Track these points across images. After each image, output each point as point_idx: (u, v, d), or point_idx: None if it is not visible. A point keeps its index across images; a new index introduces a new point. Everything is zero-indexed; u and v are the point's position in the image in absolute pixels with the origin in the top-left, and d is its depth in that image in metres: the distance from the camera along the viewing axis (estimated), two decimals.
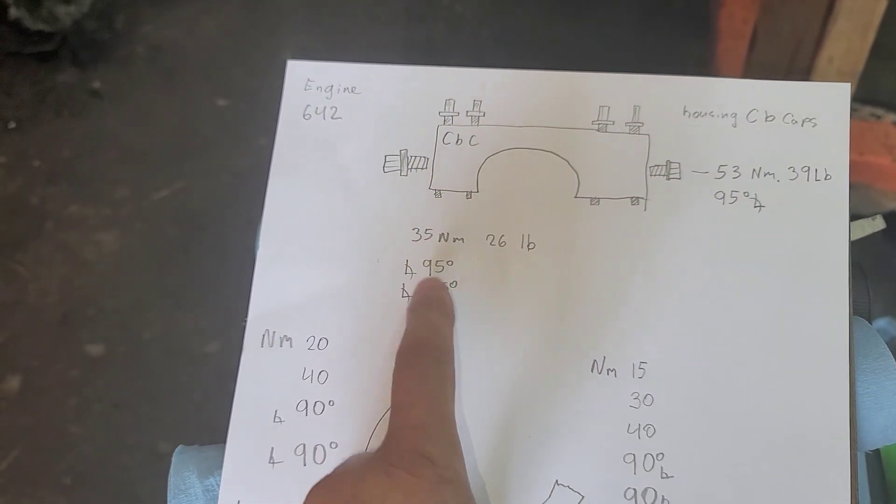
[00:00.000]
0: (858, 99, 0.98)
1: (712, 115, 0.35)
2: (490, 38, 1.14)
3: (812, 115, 0.35)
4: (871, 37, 0.61)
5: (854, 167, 0.83)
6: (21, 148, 1.06)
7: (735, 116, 0.35)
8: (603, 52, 1.09)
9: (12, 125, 1.08)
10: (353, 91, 0.38)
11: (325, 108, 0.38)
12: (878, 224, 0.38)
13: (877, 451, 0.42)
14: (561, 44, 1.12)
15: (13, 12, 1.05)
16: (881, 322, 0.90)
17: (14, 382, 0.91)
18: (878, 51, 1.11)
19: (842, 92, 0.35)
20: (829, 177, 0.34)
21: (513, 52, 1.12)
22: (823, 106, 0.35)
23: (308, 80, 0.38)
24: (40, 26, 1.09)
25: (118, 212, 1.01)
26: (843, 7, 0.58)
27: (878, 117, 0.97)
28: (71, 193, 1.02)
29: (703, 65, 0.99)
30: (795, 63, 0.65)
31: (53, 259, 0.98)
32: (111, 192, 1.03)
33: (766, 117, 0.35)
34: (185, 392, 0.90)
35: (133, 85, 1.11)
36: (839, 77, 0.62)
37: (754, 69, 0.73)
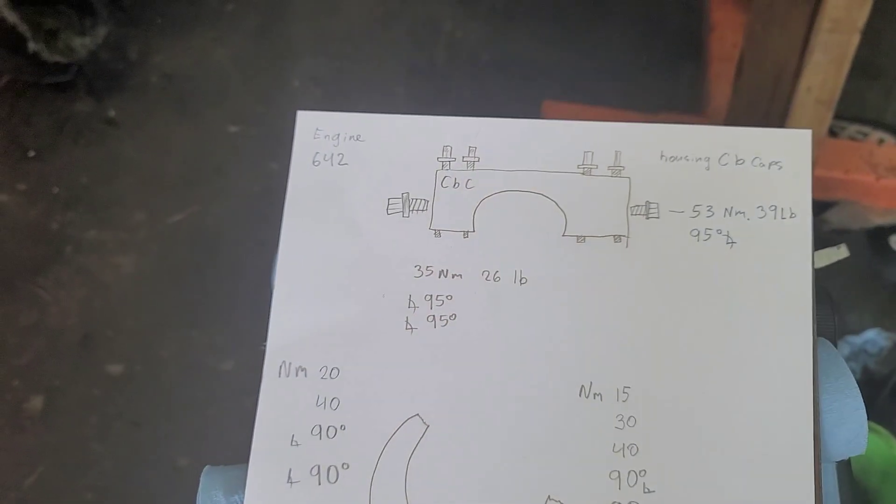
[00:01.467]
0: (845, 117, 1.01)
1: (687, 159, 0.39)
2: (489, 63, 1.17)
3: (777, 159, 0.38)
4: (845, 68, 0.64)
5: (841, 185, 0.87)
6: (41, 175, 1.10)
7: (708, 160, 0.38)
8: (599, 74, 1.12)
9: (32, 154, 1.12)
10: (358, 139, 0.41)
11: (332, 154, 0.41)
12: (842, 253, 0.41)
13: (847, 462, 0.45)
14: (558, 67, 1.15)
15: (31, 45, 1.09)
16: (870, 333, 0.93)
17: (37, 402, 0.94)
18: (865, 70, 1.14)
19: (804, 138, 0.38)
20: (793, 215, 0.37)
21: (511, 76, 1.15)
22: (788, 151, 0.38)
23: (317, 129, 0.42)
24: (57, 58, 1.13)
25: (135, 236, 1.05)
26: (818, 41, 0.61)
27: (865, 135, 1.00)
28: (89, 219, 1.06)
29: (696, 86, 1.02)
30: (777, 91, 0.68)
31: (73, 282, 1.02)
32: (128, 216, 1.06)
33: (737, 161, 0.38)
34: (202, 408, 0.93)
35: (147, 113, 1.15)
36: (817, 105, 0.66)
37: (741, 94, 0.76)
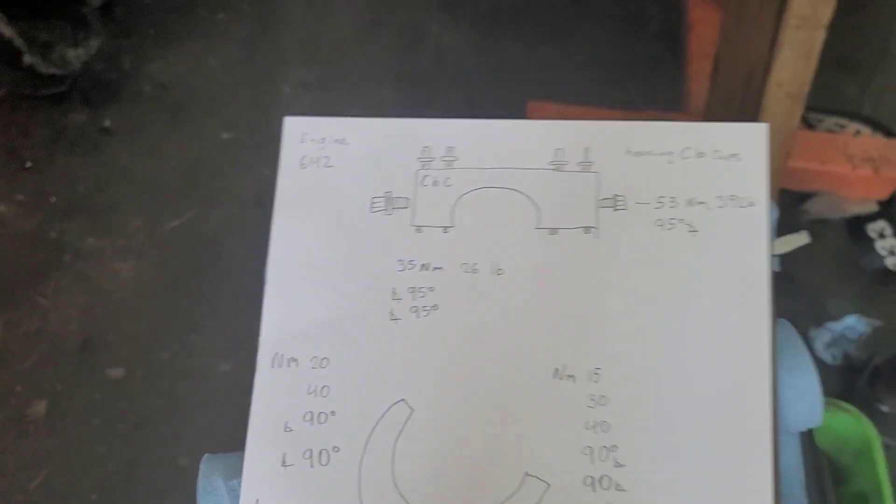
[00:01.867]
0: (823, 110, 1.04)
1: (652, 154, 0.41)
2: (476, 66, 1.20)
3: (736, 151, 0.40)
4: (813, 63, 0.67)
5: (818, 176, 0.90)
6: (38, 186, 1.12)
7: (671, 154, 0.41)
8: (583, 73, 1.15)
9: (29, 164, 1.14)
10: (342, 142, 0.44)
11: (318, 157, 0.44)
12: (803, 238, 0.43)
13: (810, 436, 0.48)
14: (543, 67, 1.18)
15: (27, 59, 1.12)
16: (850, 320, 0.96)
17: (41, 407, 0.97)
18: (843, 63, 1.17)
19: (761, 131, 0.40)
20: (751, 203, 0.40)
21: (497, 78, 1.18)
22: (745, 143, 0.40)
23: (304, 133, 0.44)
24: (52, 70, 1.16)
25: (132, 242, 1.08)
26: (786, 38, 0.64)
27: (843, 127, 1.03)
28: (87, 227, 1.09)
29: (677, 84, 1.05)
30: (751, 86, 0.71)
31: (73, 289, 1.04)
32: (125, 223, 1.09)
33: (698, 154, 0.41)
34: (201, 409, 0.95)
35: (142, 122, 1.18)
36: (788, 99, 0.68)
37: (718, 90, 0.79)
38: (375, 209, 0.42)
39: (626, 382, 0.38)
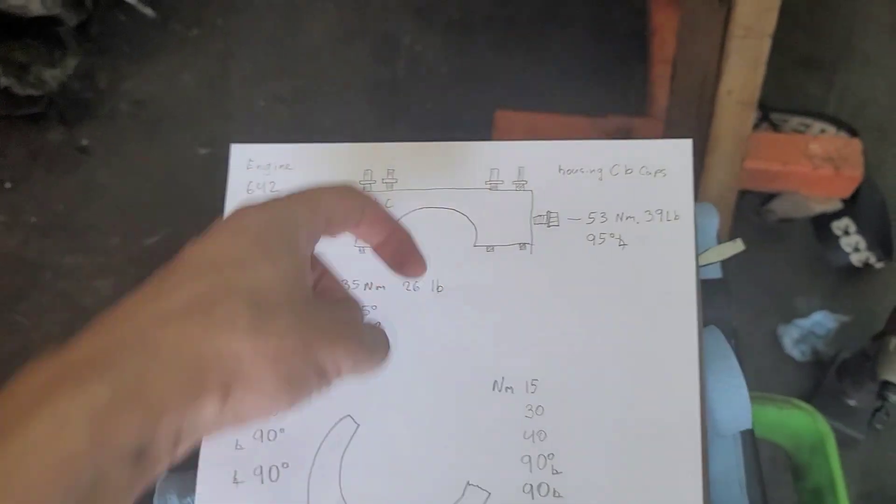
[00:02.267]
0: (787, 110, 1.06)
1: (582, 172, 0.43)
2: (449, 74, 1.21)
3: (662, 167, 0.42)
4: (761, 71, 0.68)
5: (780, 176, 0.91)
6: (17, 205, 1.14)
7: (601, 171, 0.42)
8: (552, 79, 1.17)
9: (8, 185, 1.16)
10: (287, 167, 0.45)
11: (264, 183, 0.45)
12: (738, 246, 0.45)
13: (751, 437, 0.49)
14: (513, 74, 1.19)
15: (3, 81, 1.13)
16: (818, 316, 0.98)
17: None
18: (806, 62, 1.19)
19: (685, 147, 0.42)
20: (677, 217, 0.41)
21: (469, 86, 1.19)
22: (671, 159, 0.42)
23: (249, 160, 0.46)
24: (29, 91, 1.17)
25: (111, 259, 1.09)
26: (733, 47, 0.66)
27: (807, 126, 1.04)
28: (66, 245, 1.10)
29: (643, 88, 1.06)
30: (704, 93, 0.72)
31: (54, 307, 1.06)
32: (104, 241, 1.10)
33: (626, 170, 0.42)
34: None
35: (119, 139, 1.19)
36: (739, 105, 0.70)
37: (676, 96, 0.80)
38: None
39: (562, 393, 0.40)
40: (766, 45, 0.66)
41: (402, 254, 0.36)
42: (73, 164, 1.17)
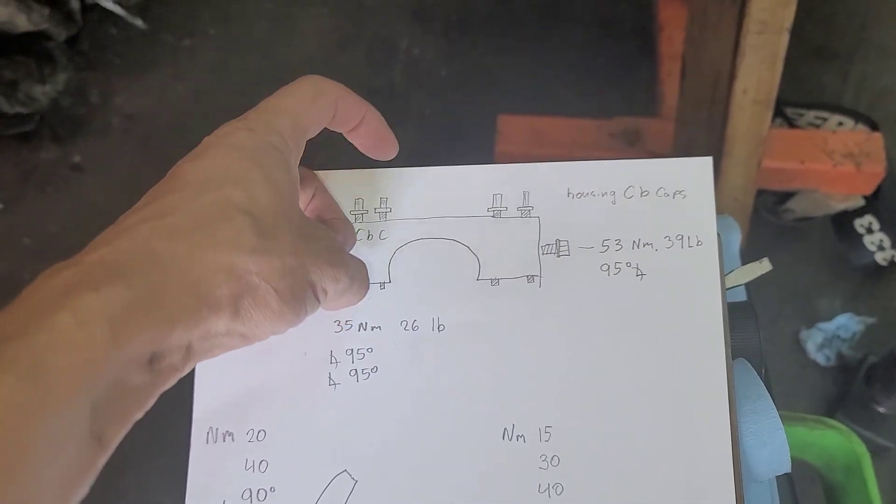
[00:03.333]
0: (803, 104, 1.01)
1: (593, 195, 0.39)
2: (447, 78, 1.17)
3: (681, 188, 0.38)
4: (779, 68, 0.64)
5: (798, 175, 0.87)
6: (10, 227, 1.10)
7: (614, 194, 0.39)
8: (556, 80, 1.13)
9: (0, 206, 1.13)
10: None
11: None
12: (765, 267, 0.41)
13: (788, 479, 0.45)
14: (515, 76, 1.15)
15: None
16: (842, 319, 0.93)
17: None
18: (821, 53, 1.14)
19: (705, 166, 0.38)
20: (700, 242, 0.38)
21: (470, 90, 1.16)
22: (690, 179, 0.38)
23: None
24: (18, 109, 1.14)
25: None
26: (748, 44, 0.62)
27: (824, 119, 1.00)
28: None
29: (651, 87, 1.02)
30: (717, 93, 0.68)
31: None
32: None
33: (642, 192, 0.38)
34: (186, 448, 0.94)
35: (112, 155, 1.16)
36: (755, 105, 0.66)
37: (686, 96, 0.76)
38: None
39: (579, 440, 0.36)
40: (783, 41, 0.62)
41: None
42: (66, 182, 1.14)
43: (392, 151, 0.37)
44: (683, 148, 0.81)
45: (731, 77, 0.64)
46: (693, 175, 0.38)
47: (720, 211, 0.66)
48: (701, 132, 0.74)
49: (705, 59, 0.70)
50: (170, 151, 1.15)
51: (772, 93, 0.65)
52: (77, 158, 1.16)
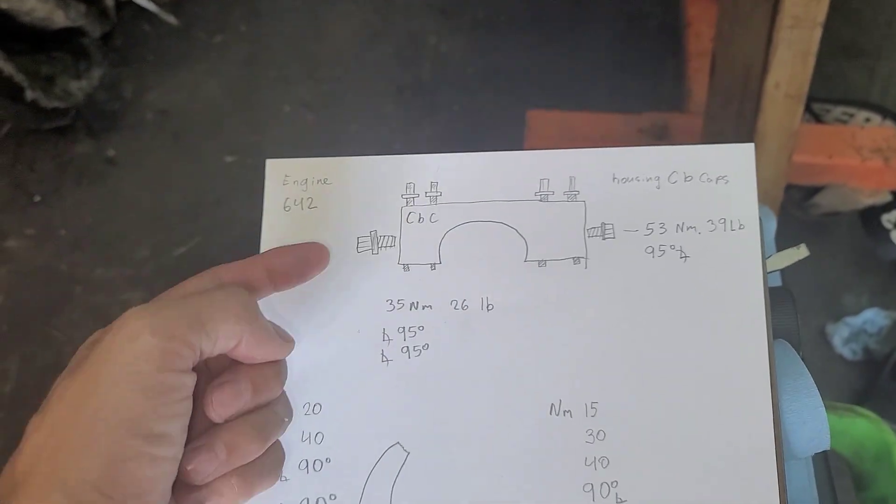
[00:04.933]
0: (830, 100, 1.02)
1: (638, 180, 0.40)
2: (476, 75, 1.19)
3: (724, 174, 0.39)
4: (811, 62, 0.65)
5: (826, 169, 0.88)
6: (47, 219, 1.13)
7: (658, 179, 0.40)
8: (583, 76, 1.14)
9: (38, 199, 1.15)
10: (325, 182, 0.43)
11: (302, 199, 0.43)
12: (802, 252, 0.42)
13: (824, 457, 0.46)
14: (543, 73, 1.17)
15: (29, 94, 1.12)
16: (868, 313, 0.94)
17: None
18: (848, 49, 1.15)
19: (747, 151, 0.39)
20: (742, 226, 0.39)
21: (498, 86, 1.17)
22: (733, 165, 0.39)
23: (286, 175, 0.44)
24: (55, 104, 1.16)
25: (140, 271, 1.08)
26: (781, 38, 0.62)
27: (851, 115, 1.01)
28: (96, 258, 1.09)
29: (679, 83, 1.03)
30: (748, 87, 0.69)
31: (85, 321, 1.05)
32: (133, 253, 1.09)
33: (685, 178, 0.40)
34: None
35: (145, 150, 1.18)
36: (787, 99, 0.67)
37: (716, 91, 0.77)
38: (361, 249, 0.42)
39: (624, 416, 0.37)
40: (816, 36, 0.63)
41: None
42: (101, 175, 1.17)
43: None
44: (712, 143, 0.82)
45: (763, 71, 0.65)
46: (736, 161, 0.39)
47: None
48: (730, 127, 0.75)
49: (736, 53, 0.71)
50: (201, 146, 1.18)
51: (804, 87, 0.66)
52: (111, 152, 1.19)
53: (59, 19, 1.15)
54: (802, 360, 0.43)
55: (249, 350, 0.35)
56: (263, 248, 0.43)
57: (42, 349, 1.03)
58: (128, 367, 0.31)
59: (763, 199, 0.76)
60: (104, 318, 1.04)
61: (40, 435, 0.30)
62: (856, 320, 0.95)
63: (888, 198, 0.94)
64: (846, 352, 0.95)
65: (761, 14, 0.65)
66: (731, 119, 0.74)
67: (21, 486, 0.29)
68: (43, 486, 0.29)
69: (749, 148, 0.39)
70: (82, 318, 1.05)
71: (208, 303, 0.34)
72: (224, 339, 0.34)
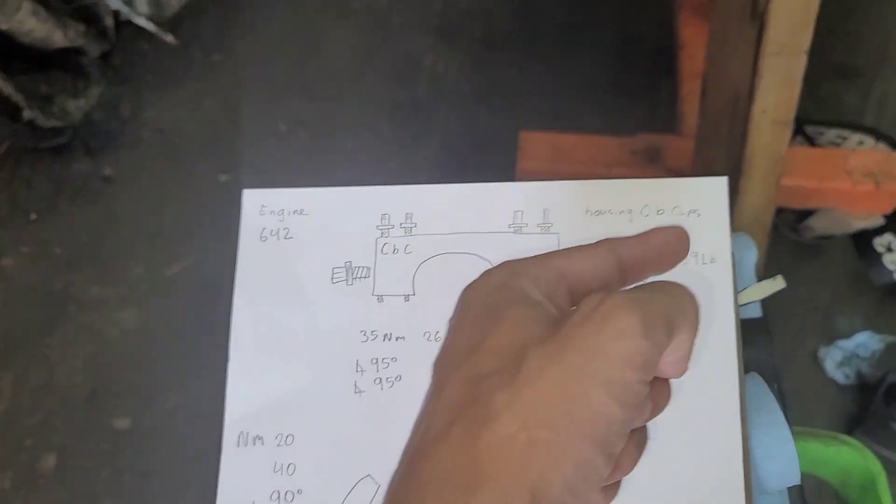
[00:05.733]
0: (824, 123, 1.02)
1: (611, 213, 0.40)
2: (471, 94, 1.19)
3: (696, 207, 0.39)
4: (797, 89, 0.65)
5: (818, 193, 0.88)
6: (43, 237, 1.14)
7: (630, 213, 0.40)
8: (578, 97, 1.14)
9: (34, 217, 1.16)
10: (301, 213, 0.43)
11: (278, 229, 0.43)
12: (778, 284, 0.42)
13: (800, 491, 0.46)
14: (539, 91, 1.17)
15: (27, 114, 1.13)
16: (861, 337, 0.94)
17: (50, 460, 0.97)
18: (842, 71, 1.15)
19: (719, 185, 0.39)
20: (713, 260, 0.39)
21: (493, 106, 1.17)
22: (705, 198, 0.39)
23: (262, 205, 0.44)
24: (53, 123, 1.17)
25: (135, 290, 1.08)
26: (766, 65, 0.63)
27: (844, 138, 1.01)
28: (91, 277, 1.10)
29: (672, 104, 1.03)
30: (737, 112, 0.69)
31: (79, 340, 1.05)
32: (127, 271, 1.10)
33: (657, 211, 0.40)
34: (209, 456, 0.95)
35: (141, 168, 1.19)
36: (774, 125, 0.67)
37: (706, 115, 0.78)
38: (336, 280, 0.42)
39: None
40: (801, 63, 0.63)
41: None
42: (97, 193, 1.17)
43: None
44: (703, 166, 0.82)
45: (750, 97, 0.65)
46: (708, 194, 0.39)
47: (739, 228, 0.67)
48: (720, 151, 0.75)
49: (725, 78, 0.71)
50: (196, 164, 1.18)
51: (790, 113, 0.66)
52: (108, 171, 1.20)
53: (58, 39, 1.16)
54: (778, 391, 0.43)
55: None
56: (238, 277, 0.43)
57: (35, 368, 1.03)
58: (614, 372, 0.27)
59: (752, 224, 0.76)
60: (98, 337, 1.05)
61: (509, 423, 0.26)
62: (848, 344, 0.95)
63: (881, 221, 0.94)
64: (838, 376, 0.94)
65: (747, 41, 0.65)
66: (722, 143, 0.75)
67: (487, 480, 0.26)
68: (512, 487, 0.26)
69: (721, 182, 0.39)
70: (76, 337, 1.05)
71: (676, 301, 0.30)
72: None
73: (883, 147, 1.00)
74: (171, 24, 1.29)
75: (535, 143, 0.96)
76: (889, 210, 0.91)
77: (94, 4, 1.21)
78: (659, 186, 0.40)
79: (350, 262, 0.42)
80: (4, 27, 1.10)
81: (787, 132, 0.68)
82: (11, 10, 1.09)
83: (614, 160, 0.93)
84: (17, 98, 1.12)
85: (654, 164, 0.92)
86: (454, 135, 1.16)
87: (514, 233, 0.41)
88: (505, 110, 1.17)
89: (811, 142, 1.00)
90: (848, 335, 0.95)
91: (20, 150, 1.20)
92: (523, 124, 1.08)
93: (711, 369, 0.37)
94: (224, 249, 1.13)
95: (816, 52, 1.17)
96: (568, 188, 0.41)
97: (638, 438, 0.32)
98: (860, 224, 0.94)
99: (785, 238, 0.99)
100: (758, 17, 0.63)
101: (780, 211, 0.98)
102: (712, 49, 0.74)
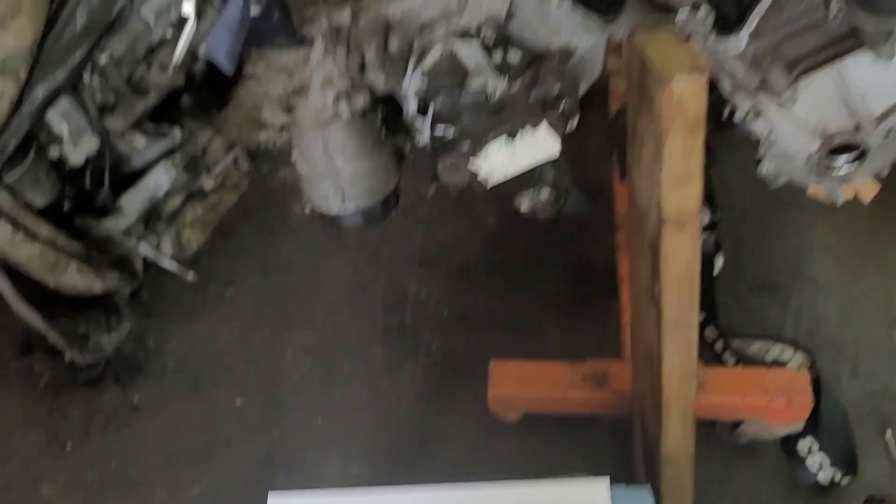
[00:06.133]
0: (748, 335, 1.20)
1: None
2: (450, 316, 1.39)
3: None
4: (694, 352, 0.83)
5: (740, 408, 1.05)
6: (77, 466, 1.28)
7: None
8: (539, 318, 1.34)
9: (69, 447, 1.31)
10: None
11: None
12: None
13: None
14: (507, 312, 1.37)
15: (68, 355, 1.31)
16: None
17: None
18: (764, 286, 1.35)
19: (602, 485, 0.56)
20: None
21: (469, 326, 1.37)
22: (588, 500, 0.55)
23: None
24: (88, 359, 1.35)
25: None
26: (667, 336, 0.81)
27: (768, 350, 1.18)
28: (119, 502, 1.24)
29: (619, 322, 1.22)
30: (653, 368, 0.87)
31: None
32: (152, 495, 1.24)
33: None
34: None
35: (165, 396, 1.36)
36: (681, 381, 0.84)
37: (636, 360, 0.95)
38: None
39: None
40: (694, 333, 0.81)
41: None
42: (126, 421, 1.33)
43: None
44: (639, 398, 0.99)
45: (660, 360, 0.83)
46: (590, 496, 0.55)
47: (667, 457, 0.83)
48: (648, 390, 0.93)
49: (643, 342, 0.90)
50: (215, 390, 1.37)
51: (692, 369, 0.84)
52: (136, 399, 1.36)
53: (97, 288, 1.36)
54: None
55: None
56: None
57: None
58: None
59: (678, 451, 0.92)
60: None
61: None
62: None
63: (801, 425, 1.10)
64: None
65: (652, 315, 0.83)
66: (648, 386, 0.92)
67: None
68: None
69: (603, 482, 0.56)
70: None
71: None
72: None
73: (801, 355, 1.17)
74: (192, 262, 1.49)
75: (503, 371, 1.14)
76: (802, 420, 1.07)
77: (128, 252, 1.43)
78: (544, 489, 0.55)
79: None
80: (53, 285, 1.31)
81: (693, 383, 0.85)
82: (60, 271, 1.30)
83: (569, 384, 1.11)
84: (61, 343, 1.30)
85: (602, 387, 1.09)
86: (436, 357, 1.34)
87: None
88: (478, 330, 1.36)
89: (739, 355, 1.17)
90: None
91: (58, 384, 1.37)
92: (495, 343, 1.27)
93: None
94: (239, 471, 1.29)
95: (742, 271, 1.38)
96: (477, 494, 0.57)
97: None
98: (784, 430, 1.10)
99: (722, 442, 1.15)
100: (654, 300, 0.82)
101: (715, 420, 1.14)
102: (632, 314, 0.93)
